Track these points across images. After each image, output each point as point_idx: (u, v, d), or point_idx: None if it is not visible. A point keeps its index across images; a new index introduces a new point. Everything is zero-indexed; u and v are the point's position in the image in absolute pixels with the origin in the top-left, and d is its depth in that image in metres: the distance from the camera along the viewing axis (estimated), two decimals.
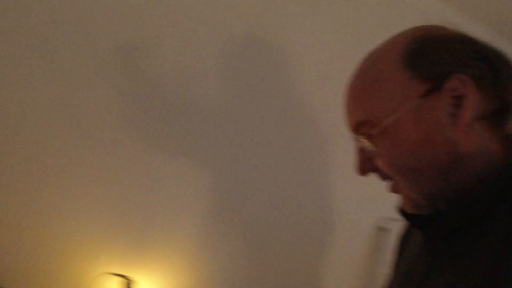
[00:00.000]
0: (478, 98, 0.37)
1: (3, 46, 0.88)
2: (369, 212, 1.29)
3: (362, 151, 0.45)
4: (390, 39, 0.44)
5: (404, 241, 0.59)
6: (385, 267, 1.11)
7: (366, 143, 0.43)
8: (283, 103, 1.20)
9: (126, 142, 1.02)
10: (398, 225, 0.61)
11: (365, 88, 0.43)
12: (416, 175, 0.41)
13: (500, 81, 0.39)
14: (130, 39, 1.00)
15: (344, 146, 0.86)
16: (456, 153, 0.39)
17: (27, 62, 0.91)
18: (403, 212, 0.48)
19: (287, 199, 1.23)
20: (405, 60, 0.40)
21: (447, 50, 0.39)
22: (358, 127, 0.44)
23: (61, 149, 0.96)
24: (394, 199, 0.50)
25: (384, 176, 0.44)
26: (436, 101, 0.39)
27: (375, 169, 0.44)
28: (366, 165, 0.45)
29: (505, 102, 0.39)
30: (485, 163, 0.39)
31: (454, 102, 0.38)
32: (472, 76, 0.37)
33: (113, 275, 1.03)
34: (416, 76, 0.39)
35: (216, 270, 1.13)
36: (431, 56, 0.40)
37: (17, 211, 0.94)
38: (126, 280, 1.03)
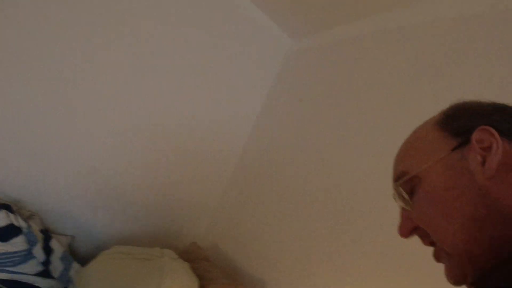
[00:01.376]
0: (507, 146, 0.39)
1: None
2: None
3: (404, 211, 0.46)
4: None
5: None
6: None
7: (399, 195, 0.45)
8: None
9: None
10: None
11: (407, 148, 0.49)
12: (446, 222, 0.40)
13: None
14: None
15: None
16: (489, 199, 0.38)
17: None
18: None
19: None
20: (441, 123, 0.46)
21: (474, 111, 0.45)
22: (398, 180, 0.46)
23: None
24: None
25: (424, 236, 0.44)
26: (466, 153, 0.41)
27: (416, 230, 0.45)
28: (406, 225, 0.45)
29: None
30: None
31: (482, 153, 0.40)
32: (496, 127, 0.40)
33: None
34: (447, 135, 0.44)
35: None
36: (460, 117, 0.45)
37: None
38: None
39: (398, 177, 0.46)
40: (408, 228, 0.45)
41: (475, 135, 0.42)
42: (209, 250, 1.63)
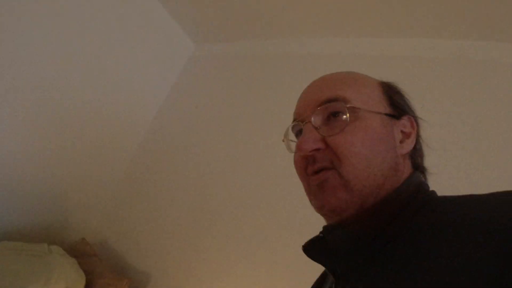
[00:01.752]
0: (414, 141, 0.50)
1: None
2: None
3: (313, 129, 0.46)
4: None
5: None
6: None
7: (328, 117, 0.47)
8: None
9: None
10: None
11: (348, 80, 0.50)
12: (367, 164, 0.44)
13: (419, 142, 0.53)
14: None
15: None
16: (396, 165, 0.46)
17: None
18: (308, 248, 0.49)
19: None
20: (382, 86, 0.52)
21: (404, 97, 0.54)
22: (329, 103, 0.47)
23: None
24: None
25: (323, 160, 0.45)
26: (393, 125, 0.49)
27: (319, 151, 0.46)
28: (316, 142, 0.45)
29: (418, 153, 0.52)
30: (402, 182, 0.46)
31: (403, 137, 0.50)
32: (416, 121, 0.52)
33: None
34: (387, 99, 0.50)
35: None
36: (399, 94, 0.53)
37: None
38: None
39: (335, 99, 0.47)
40: (315, 145, 0.45)
41: (405, 119, 0.50)
42: (99, 245, 1.71)
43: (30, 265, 1.24)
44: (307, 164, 0.47)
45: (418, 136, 0.51)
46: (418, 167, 0.51)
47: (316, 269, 0.54)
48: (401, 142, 0.48)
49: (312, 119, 0.47)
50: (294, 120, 0.52)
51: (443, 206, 0.40)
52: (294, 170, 0.52)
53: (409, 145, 0.49)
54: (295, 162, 0.50)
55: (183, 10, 1.78)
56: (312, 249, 0.48)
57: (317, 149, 0.45)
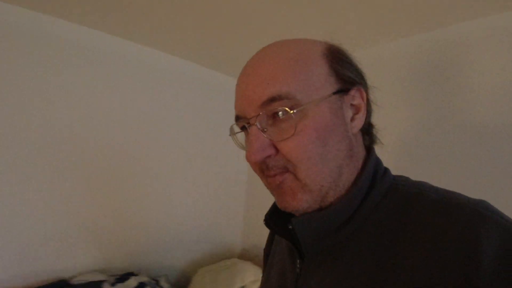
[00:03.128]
0: (365, 111, 0.45)
1: None
2: None
3: (260, 134, 0.41)
4: (302, 38, 0.46)
5: (268, 254, 0.62)
6: None
7: (273, 121, 0.41)
8: None
9: None
10: None
11: (289, 64, 0.41)
12: (322, 164, 0.40)
13: (369, 103, 0.47)
14: None
15: None
16: (351, 150, 0.43)
17: None
18: (270, 223, 0.49)
19: None
20: (326, 57, 0.44)
21: (352, 64, 0.46)
22: (272, 102, 0.40)
23: None
24: None
25: (277, 166, 0.42)
26: (343, 102, 0.43)
27: (270, 157, 0.42)
28: (265, 150, 0.41)
29: (368, 120, 0.47)
30: (361, 167, 0.45)
31: (353, 111, 0.45)
32: (365, 91, 0.45)
33: None
34: (333, 74, 0.43)
35: None
36: (344, 63, 0.45)
37: None
38: None
39: (278, 97, 0.40)
40: (267, 154, 0.42)
41: (354, 91, 0.45)
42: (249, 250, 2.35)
43: (227, 274, 1.89)
44: (261, 167, 0.44)
45: (367, 104, 0.46)
46: (367, 133, 0.49)
47: None
48: (352, 120, 0.44)
49: (257, 122, 0.41)
50: (237, 117, 0.46)
51: (398, 204, 0.40)
52: None
53: (360, 119, 0.45)
54: (249, 163, 0.45)
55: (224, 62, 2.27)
56: (275, 225, 0.50)
57: (268, 156, 0.42)
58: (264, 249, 0.65)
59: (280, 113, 0.41)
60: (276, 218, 0.50)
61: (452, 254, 0.31)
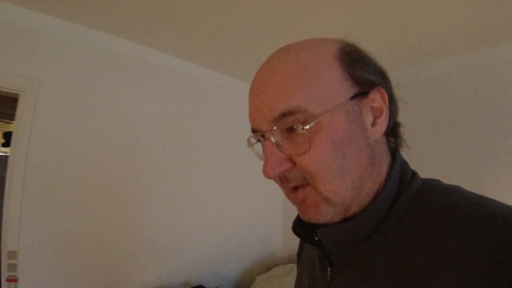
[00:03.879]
0: (388, 113, 0.41)
1: None
2: None
3: (276, 149, 0.40)
4: (314, 39, 0.43)
5: (300, 257, 0.61)
6: None
7: (288, 136, 0.40)
8: None
9: None
10: None
11: (299, 75, 0.39)
12: (342, 176, 0.39)
13: (393, 101, 0.44)
14: None
15: None
16: (372, 158, 0.40)
17: None
18: (299, 232, 0.48)
19: None
20: (340, 60, 0.40)
21: (370, 63, 0.42)
22: (284, 116, 0.38)
23: None
24: None
25: (296, 179, 0.41)
26: (362, 106, 0.40)
27: (288, 170, 0.40)
28: (282, 164, 0.40)
29: (393, 122, 0.44)
30: (386, 173, 0.42)
31: (372, 112, 0.41)
32: (387, 92, 0.41)
33: None
34: (349, 78, 0.40)
35: None
36: (361, 63, 0.41)
37: None
38: None
39: (290, 112, 0.38)
40: (284, 168, 0.40)
41: (373, 94, 0.41)
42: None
43: (282, 280, 1.97)
44: (281, 178, 0.43)
45: (390, 103, 0.43)
46: (392, 134, 0.46)
47: None
48: (373, 125, 0.41)
49: (271, 137, 0.40)
50: (252, 130, 0.44)
51: (426, 213, 0.38)
52: None
53: (383, 123, 0.42)
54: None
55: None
56: (304, 233, 0.48)
57: (285, 170, 0.40)
58: (297, 253, 0.64)
59: (293, 127, 0.39)
60: (303, 225, 0.49)
61: (486, 267, 0.30)
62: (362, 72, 0.40)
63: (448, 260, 0.32)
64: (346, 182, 0.39)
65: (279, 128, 0.40)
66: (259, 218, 2.49)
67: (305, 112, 0.38)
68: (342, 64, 0.40)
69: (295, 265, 2.11)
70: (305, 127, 0.38)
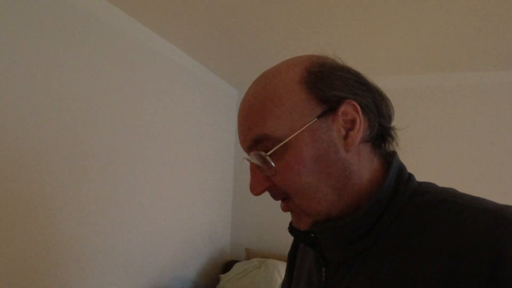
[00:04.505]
0: (365, 123, 0.42)
1: None
2: None
3: (257, 170, 0.45)
4: (285, 62, 0.46)
5: (292, 258, 0.64)
6: None
7: (261, 160, 0.43)
8: None
9: None
10: None
11: (265, 105, 0.42)
12: (313, 191, 0.41)
13: (379, 109, 0.45)
14: None
15: None
16: (348, 171, 0.42)
17: None
18: (294, 231, 0.51)
19: None
20: (304, 82, 0.42)
21: (339, 78, 0.43)
22: (256, 143, 0.43)
23: None
24: None
25: (278, 195, 0.45)
26: (331, 123, 0.41)
27: (270, 188, 0.44)
28: (262, 184, 0.44)
29: (382, 127, 0.45)
30: (371, 180, 0.43)
31: (345, 126, 0.42)
32: (359, 103, 0.42)
33: None
34: (313, 98, 0.41)
35: None
36: (327, 81, 0.42)
37: None
38: None
39: (258, 140, 0.42)
40: (264, 187, 0.44)
41: (343, 108, 0.42)
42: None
43: (261, 273, 1.97)
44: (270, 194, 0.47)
45: (368, 112, 0.43)
46: (383, 139, 0.47)
47: None
48: (345, 138, 0.42)
49: (251, 159, 0.45)
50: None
51: (421, 211, 0.39)
52: None
53: (356, 135, 0.42)
54: None
55: (225, 70, 2.32)
56: (298, 233, 0.51)
57: (267, 188, 0.44)
58: (289, 253, 0.67)
59: (260, 154, 0.43)
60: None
61: (476, 259, 0.31)
62: (329, 89, 0.42)
63: (441, 256, 0.34)
64: (318, 196, 0.42)
65: (254, 154, 0.43)
66: (208, 216, 2.38)
67: (271, 138, 0.41)
68: (306, 86, 0.42)
69: (263, 259, 2.13)
70: (267, 153, 0.42)
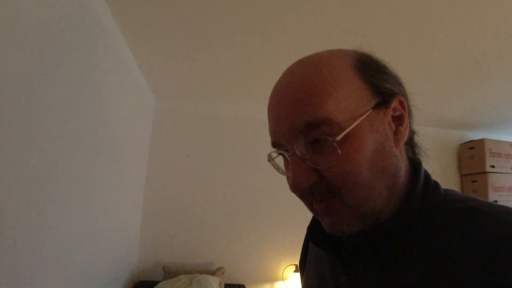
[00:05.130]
0: (408, 121, 0.42)
1: None
2: None
3: (301, 161, 0.39)
4: (330, 50, 0.43)
5: (303, 266, 0.62)
6: None
7: (316, 148, 0.39)
8: None
9: None
10: None
11: (323, 87, 0.38)
12: (370, 187, 0.39)
13: (410, 110, 0.44)
14: None
15: None
16: (398, 168, 0.41)
17: None
18: (317, 239, 0.49)
19: None
20: (359, 69, 0.40)
21: (389, 73, 0.42)
22: (310, 129, 0.38)
23: None
24: None
25: (321, 192, 0.40)
26: (384, 116, 0.40)
27: (316, 183, 0.39)
28: (310, 177, 0.39)
29: (411, 132, 0.45)
30: (404, 182, 0.42)
31: (396, 123, 0.41)
32: (405, 97, 0.42)
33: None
34: (368, 88, 0.40)
35: None
36: (379, 73, 0.41)
37: None
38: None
39: (317, 123, 0.37)
40: (312, 181, 0.39)
41: (394, 103, 0.41)
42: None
43: None
44: (305, 193, 0.42)
45: (410, 112, 0.43)
46: (410, 143, 0.46)
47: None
48: (395, 134, 0.41)
49: (296, 150, 0.39)
50: (273, 144, 0.43)
51: (452, 218, 0.38)
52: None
53: (404, 132, 0.41)
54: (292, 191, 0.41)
55: (151, 73, 2.13)
56: (318, 237, 0.49)
57: (314, 182, 0.39)
58: (299, 262, 0.65)
59: (319, 139, 0.38)
60: (317, 231, 0.49)
61: (503, 268, 0.31)
62: (381, 81, 0.41)
63: (469, 263, 0.33)
64: (374, 192, 0.39)
65: (304, 141, 0.39)
66: (116, 233, 2.09)
67: (331, 123, 0.37)
68: (361, 73, 0.40)
69: (192, 275, 2.03)
70: (332, 138, 0.37)
